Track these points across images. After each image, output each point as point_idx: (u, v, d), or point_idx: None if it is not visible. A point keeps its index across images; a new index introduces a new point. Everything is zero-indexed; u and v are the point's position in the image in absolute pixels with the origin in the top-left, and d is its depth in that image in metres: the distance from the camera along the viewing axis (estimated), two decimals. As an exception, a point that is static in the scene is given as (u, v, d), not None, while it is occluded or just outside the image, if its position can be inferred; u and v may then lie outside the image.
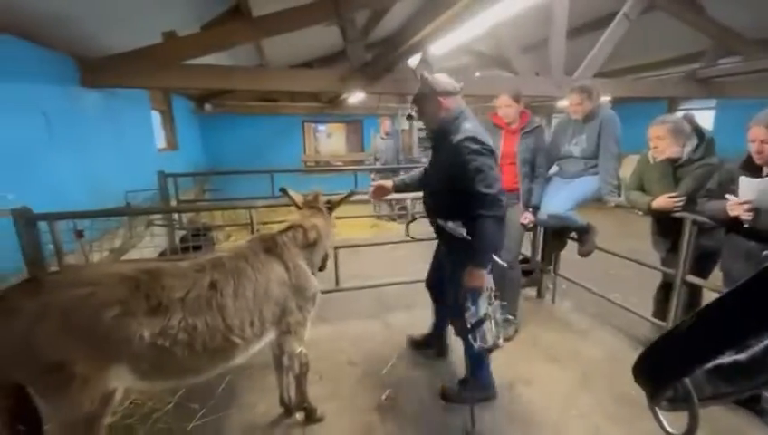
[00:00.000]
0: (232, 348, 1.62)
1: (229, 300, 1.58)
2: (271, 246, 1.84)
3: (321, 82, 4.39)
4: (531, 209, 2.93)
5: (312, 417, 2.17)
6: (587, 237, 3.06)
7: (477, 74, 7.58)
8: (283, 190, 2.26)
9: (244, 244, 1.87)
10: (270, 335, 1.85)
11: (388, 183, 2.45)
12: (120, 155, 4.43)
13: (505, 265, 2.07)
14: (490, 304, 1.88)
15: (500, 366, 2.68)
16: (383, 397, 2.40)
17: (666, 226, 2.62)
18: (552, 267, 3.66)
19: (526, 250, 3.79)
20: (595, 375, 2.60)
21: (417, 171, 2.44)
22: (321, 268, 2.23)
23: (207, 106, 8.05)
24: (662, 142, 2.44)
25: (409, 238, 2.79)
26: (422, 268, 2.75)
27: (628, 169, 2.98)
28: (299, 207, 2.19)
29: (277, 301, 1.78)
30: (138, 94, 5.06)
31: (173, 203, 5.26)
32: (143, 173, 4.91)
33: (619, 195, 2.93)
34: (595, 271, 3.78)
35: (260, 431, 2.15)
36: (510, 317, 2.27)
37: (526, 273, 3.79)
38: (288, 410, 2.21)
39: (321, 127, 10.41)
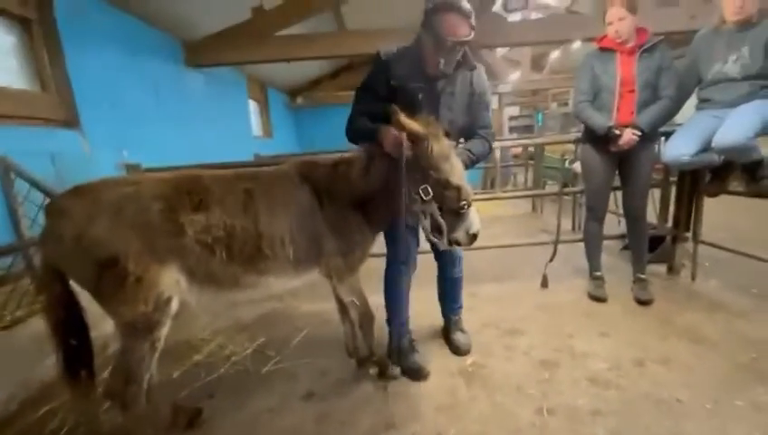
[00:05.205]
0: (263, 259, 1.54)
1: (261, 209, 1.53)
2: (307, 174, 1.66)
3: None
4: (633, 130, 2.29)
5: (384, 372, 1.95)
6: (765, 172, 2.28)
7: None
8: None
9: (286, 165, 1.75)
10: (309, 270, 1.71)
11: None
12: (221, 135, 4.84)
13: None
14: None
15: (619, 342, 2.15)
16: (468, 362, 2.07)
17: None
18: (690, 234, 2.85)
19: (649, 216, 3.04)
20: (771, 362, 1.89)
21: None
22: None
23: (299, 99, 8.53)
24: None
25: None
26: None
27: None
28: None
29: (311, 234, 1.62)
30: (236, 80, 5.50)
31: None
32: (241, 154, 5.31)
33: None
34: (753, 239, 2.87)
35: (331, 378, 2.01)
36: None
37: (652, 244, 3.04)
38: (359, 362, 2.03)
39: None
